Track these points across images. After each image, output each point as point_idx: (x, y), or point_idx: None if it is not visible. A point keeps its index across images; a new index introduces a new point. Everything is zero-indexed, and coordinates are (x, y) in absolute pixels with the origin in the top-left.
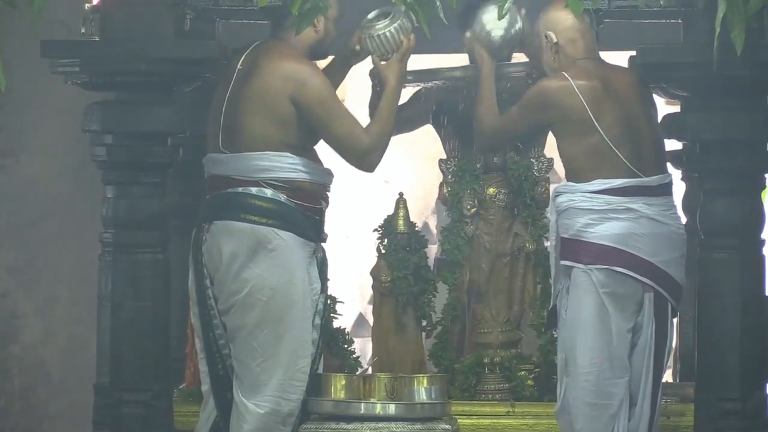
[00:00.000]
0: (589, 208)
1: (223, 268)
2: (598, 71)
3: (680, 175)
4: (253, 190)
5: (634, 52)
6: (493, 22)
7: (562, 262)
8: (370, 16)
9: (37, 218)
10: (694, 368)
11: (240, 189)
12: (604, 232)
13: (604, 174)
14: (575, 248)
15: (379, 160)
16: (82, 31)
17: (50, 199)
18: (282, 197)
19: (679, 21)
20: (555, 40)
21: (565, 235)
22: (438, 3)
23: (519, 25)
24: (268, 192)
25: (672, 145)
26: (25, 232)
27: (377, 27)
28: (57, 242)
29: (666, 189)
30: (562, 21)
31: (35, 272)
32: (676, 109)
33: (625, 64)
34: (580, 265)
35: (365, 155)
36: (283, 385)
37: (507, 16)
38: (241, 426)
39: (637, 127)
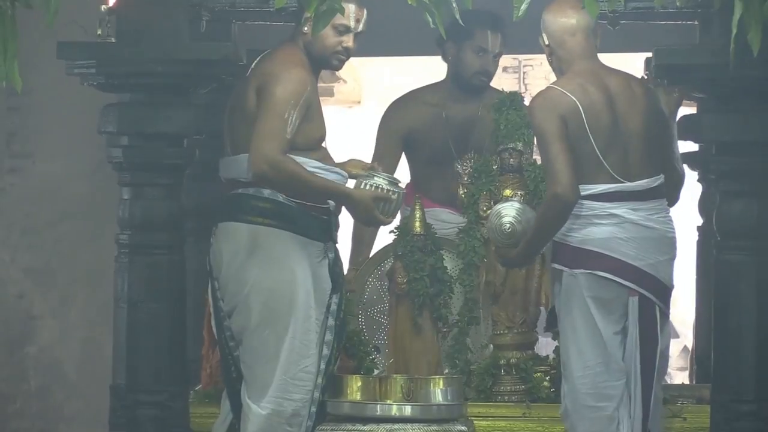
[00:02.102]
0: (573, 213)
1: (224, 269)
2: (591, 75)
3: (697, 177)
4: (251, 190)
5: (650, 54)
6: (496, 213)
7: (552, 265)
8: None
9: (53, 220)
10: (710, 370)
11: (240, 190)
12: (586, 236)
13: (586, 179)
14: (562, 252)
15: (265, 177)
16: (99, 32)
17: (66, 201)
18: (280, 197)
19: (696, 22)
20: (546, 43)
21: (555, 238)
22: (454, 4)
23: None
24: (266, 192)
25: (688, 146)
26: (41, 234)
27: (375, 179)
28: (73, 244)
29: (655, 192)
30: (551, 23)
31: (51, 273)
32: (692, 110)
33: (641, 65)
34: (566, 269)
35: (259, 159)
36: (284, 386)
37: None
38: (246, 428)
39: (627, 131)
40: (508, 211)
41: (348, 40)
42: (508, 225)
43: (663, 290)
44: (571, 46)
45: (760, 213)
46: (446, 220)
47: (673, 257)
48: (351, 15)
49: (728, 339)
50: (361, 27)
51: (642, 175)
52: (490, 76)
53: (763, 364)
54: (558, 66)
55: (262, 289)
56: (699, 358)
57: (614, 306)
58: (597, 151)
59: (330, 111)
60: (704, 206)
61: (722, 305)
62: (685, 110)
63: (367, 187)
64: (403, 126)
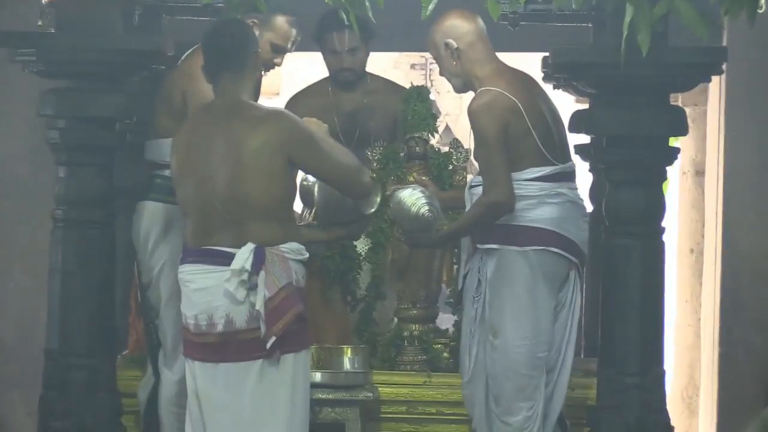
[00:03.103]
0: (525, 194)
1: (141, 245)
2: (509, 73)
3: (587, 167)
4: (166, 171)
5: (547, 53)
6: (411, 201)
7: (491, 246)
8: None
9: None
10: (597, 345)
11: (156, 171)
12: (540, 216)
13: (533, 164)
14: (509, 232)
15: None
16: (39, 23)
17: (7, 180)
18: None
19: (590, 25)
20: (456, 46)
21: (500, 221)
22: (367, 3)
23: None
24: None
25: (581, 139)
26: None
27: None
28: (12, 219)
29: (575, 174)
30: (458, 27)
31: None
32: (585, 106)
33: (538, 64)
34: (515, 248)
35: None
36: None
37: (419, 195)
38: (161, 392)
39: (552, 119)
40: (421, 200)
41: (279, 60)
42: (428, 214)
43: (584, 264)
44: (481, 48)
45: (646, 201)
46: None
47: (587, 234)
48: (290, 39)
49: (615, 316)
50: (292, 49)
51: (568, 157)
52: (354, 71)
53: (646, 339)
54: (466, 69)
55: (174, 267)
56: (587, 334)
57: (556, 280)
58: (538, 142)
59: None
60: (594, 195)
61: (610, 285)
62: (578, 106)
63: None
64: (299, 117)
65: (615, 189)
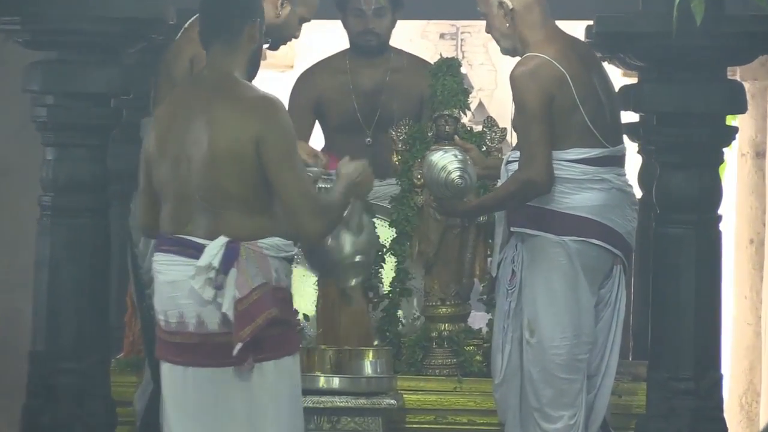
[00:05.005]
0: (565, 177)
1: (139, 237)
2: (563, 40)
3: (636, 148)
4: None
5: (591, 22)
6: (442, 165)
7: (525, 230)
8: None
9: None
10: (647, 347)
11: None
12: (580, 203)
13: (579, 144)
14: (545, 217)
15: None
16: None
17: None
18: None
19: None
20: (511, 7)
21: (531, 203)
22: None
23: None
24: None
25: (629, 117)
26: None
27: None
28: None
29: (624, 159)
30: None
31: None
32: (633, 80)
33: (582, 33)
34: (551, 236)
35: None
36: None
37: (453, 157)
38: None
39: (605, 96)
40: (453, 164)
41: (300, 31)
42: (460, 181)
43: (631, 257)
44: (537, 11)
45: (700, 186)
46: None
47: (636, 223)
48: (313, 10)
49: (666, 315)
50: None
51: (617, 140)
52: (377, 35)
53: (701, 340)
54: (517, 32)
55: None
56: (636, 334)
57: (598, 275)
58: (586, 119)
59: (263, 75)
60: (644, 179)
61: (661, 280)
62: (626, 80)
63: None
64: (311, 95)
65: (666, 173)
